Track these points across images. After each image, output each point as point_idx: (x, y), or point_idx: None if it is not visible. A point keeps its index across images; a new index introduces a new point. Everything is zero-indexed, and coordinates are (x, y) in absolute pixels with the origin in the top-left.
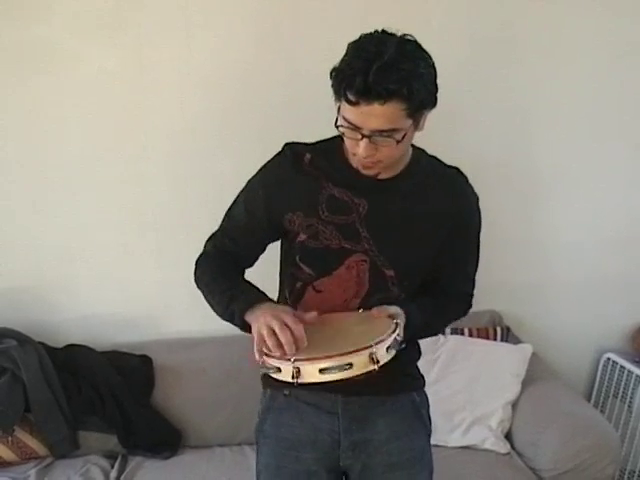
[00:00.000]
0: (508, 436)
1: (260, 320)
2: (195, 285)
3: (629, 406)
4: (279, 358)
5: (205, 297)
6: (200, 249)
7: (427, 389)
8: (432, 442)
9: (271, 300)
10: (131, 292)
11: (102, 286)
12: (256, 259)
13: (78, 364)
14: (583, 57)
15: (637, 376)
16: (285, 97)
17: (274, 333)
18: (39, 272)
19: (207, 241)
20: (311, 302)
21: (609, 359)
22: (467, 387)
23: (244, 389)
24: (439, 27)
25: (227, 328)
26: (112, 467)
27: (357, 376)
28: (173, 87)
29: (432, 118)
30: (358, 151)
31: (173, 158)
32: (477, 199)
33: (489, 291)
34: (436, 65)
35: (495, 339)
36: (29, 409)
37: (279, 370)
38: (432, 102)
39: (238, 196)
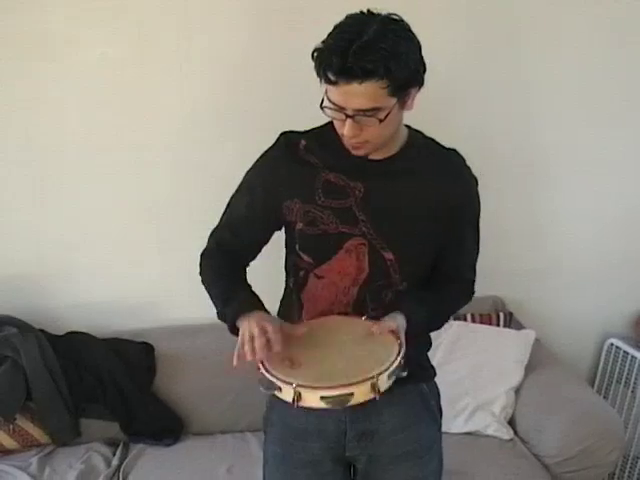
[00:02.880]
0: (511, 422)
1: (244, 325)
2: (200, 280)
3: (633, 391)
4: (282, 380)
5: (208, 294)
6: (200, 236)
7: None
8: None
9: (264, 310)
10: (132, 279)
11: (103, 273)
12: (259, 251)
13: (79, 352)
14: (587, 39)
15: None
16: (287, 84)
17: (252, 339)
18: (40, 259)
19: (210, 235)
20: (314, 289)
21: (612, 344)
22: (470, 373)
23: (246, 376)
24: (440, 10)
25: None
26: (114, 454)
27: (357, 404)
28: (174, 75)
29: (433, 104)
30: (344, 131)
31: (173, 146)
32: (475, 181)
33: (492, 277)
34: (436, 48)
35: (498, 325)
36: (30, 397)
37: (280, 389)
38: (418, 81)
39: (237, 189)
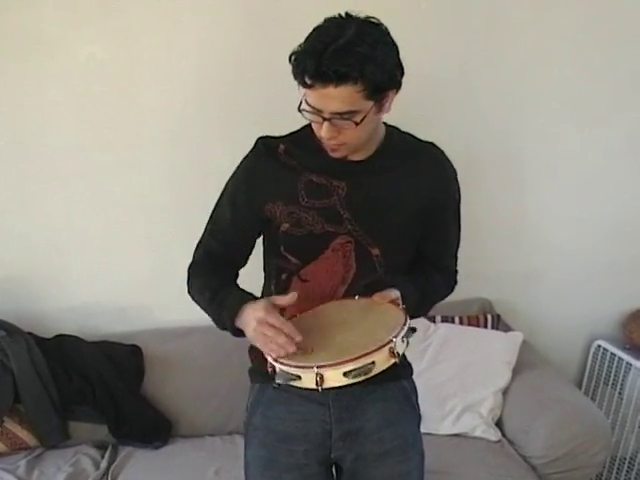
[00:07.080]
0: (499, 424)
1: (248, 329)
2: (189, 295)
3: (620, 393)
4: (301, 366)
5: (201, 308)
6: (190, 238)
7: (418, 377)
8: (423, 430)
9: (252, 297)
10: (121, 281)
11: (92, 276)
12: (247, 257)
13: (68, 354)
14: (572, 41)
15: (627, 363)
16: (278, 83)
17: (268, 338)
18: (28, 262)
19: (196, 249)
20: (297, 292)
21: (600, 346)
22: (458, 375)
23: (234, 378)
24: (428, 12)
25: None
26: (102, 457)
27: (379, 373)
28: (164, 75)
29: (417, 105)
30: (321, 134)
31: (163, 147)
32: (455, 172)
33: (480, 279)
34: (424, 52)
35: (486, 327)
36: (19, 400)
37: (299, 378)
38: (395, 85)
39: (219, 198)
